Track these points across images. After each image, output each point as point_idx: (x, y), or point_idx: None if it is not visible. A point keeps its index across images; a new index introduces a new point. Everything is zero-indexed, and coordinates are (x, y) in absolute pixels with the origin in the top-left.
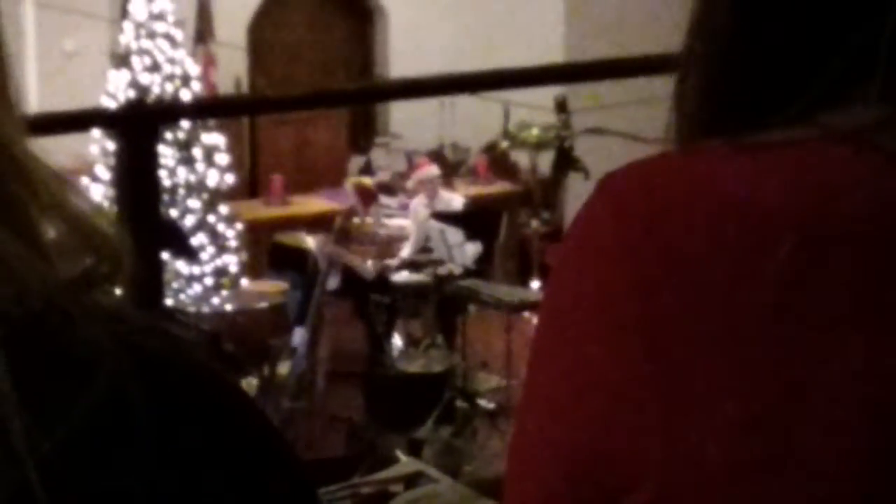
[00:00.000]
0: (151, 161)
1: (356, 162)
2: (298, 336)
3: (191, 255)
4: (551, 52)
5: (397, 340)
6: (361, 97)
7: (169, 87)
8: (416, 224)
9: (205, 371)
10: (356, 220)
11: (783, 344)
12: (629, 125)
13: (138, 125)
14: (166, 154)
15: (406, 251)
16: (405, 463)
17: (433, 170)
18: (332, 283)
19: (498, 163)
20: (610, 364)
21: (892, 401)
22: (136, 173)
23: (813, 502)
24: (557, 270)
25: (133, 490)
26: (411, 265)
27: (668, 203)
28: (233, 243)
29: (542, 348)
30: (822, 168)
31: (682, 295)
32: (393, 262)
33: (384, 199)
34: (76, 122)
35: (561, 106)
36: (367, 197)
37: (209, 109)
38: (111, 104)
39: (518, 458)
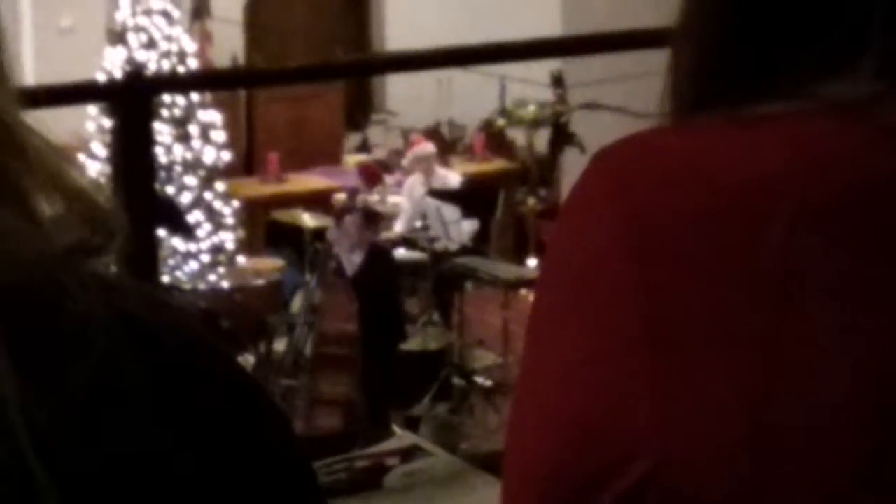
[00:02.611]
0: (147, 133)
1: (353, 139)
2: (299, 303)
3: (187, 232)
4: (547, 32)
5: None
6: (358, 70)
7: (165, 65)
8: (409, 200)
9: (199, 340)
10: (359, 199)
11: (780, 316)
12: (626, 100)
13: (135, 96)
14: (162, 131)
15: (399, 226)
16: (401, 437)
17: (428, 147)
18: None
19: (494, 140)
20: (608, 335)
21: (888, 378)
22: (133, 146)
23: (815, 473)
24: (554, 245)
25: (128, 459)
26: (406, 242)
27: (664, 176)
28: (229, 220)
29: (540, 321)
30: (818, 140)
31: (679, 268)
32: (388, 236)
33: None
34: (73, 94)
35: (557, 81)
36: (371, 177)
37: (206, 81)
38: None
39: (518, 433)
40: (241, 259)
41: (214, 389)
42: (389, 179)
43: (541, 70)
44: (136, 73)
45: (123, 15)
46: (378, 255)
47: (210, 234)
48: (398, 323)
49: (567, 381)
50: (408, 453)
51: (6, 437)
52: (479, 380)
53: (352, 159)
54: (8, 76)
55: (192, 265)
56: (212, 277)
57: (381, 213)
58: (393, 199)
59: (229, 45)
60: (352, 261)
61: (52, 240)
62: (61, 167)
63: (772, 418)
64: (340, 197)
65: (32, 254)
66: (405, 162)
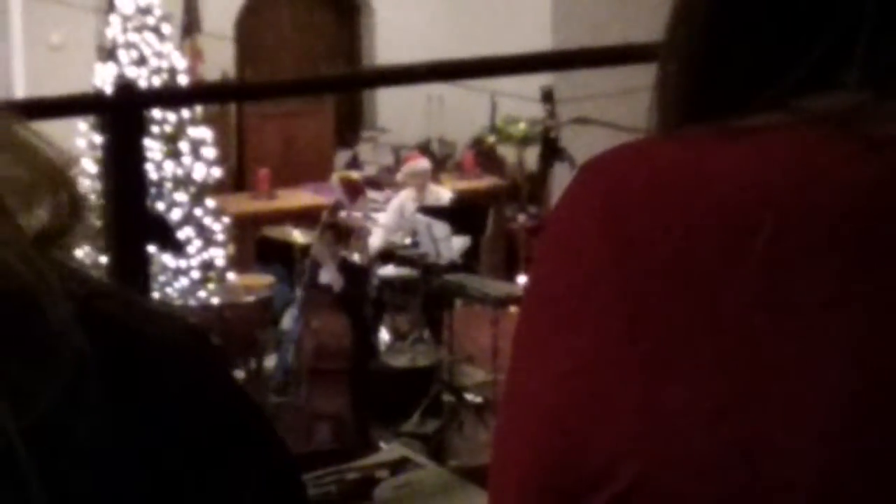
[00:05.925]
0: (139, 147)
1: (343, 156)
2: (288, 320)
3: (177, 248)
4: (539, 47)
5: (384, 335)
6: (349, 83)
7: (156, 81)
8: (394, 215)
9: (184, 348)
10: (342, 214)
11: (764, 327)
12: (616, 115)
13: (127, 109)
14: (153, 147)
15: (376, 240)
16: (390, 449)
17: (424, 163)
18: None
19: (485, 157)
20: (591, 347)
21: (875, 380)
22: (124, 159)
23: (807, 474)
24: (540, 256)
25: (106, 467)
26: (396, 258)
27: (649, 188)
28: (219, 237)
29: (525, 334)
30: (801, 152)
31: (663, 280)
32: (368, 252)
33: (371, 194)
34: (64, 107)
35: (547, 95)
36: (354, 191)
37: (197, 95)
38: None
39: (504, 442)
40: (231, 275)
41: (198, 397)
42: (380, 196)
43: (531, 85)
44: (127, 85)
45: (114, 31)
46: (350, 271)
47: (200, 251)
48: (366, 340)
49: (554, 389)
50: (397, 465)
51: None
52: (469, 396)
53: (336, 175)
54: None
55: (183, 281)
56: (202, 294)
57: (352, 229)
58: (378, 215)
59: (220, 62)
60: (336, 276)
61: (24, 234)
62: (18, 132)
63: (761, 421)
64: (325, 214)
65: (11, 260)
66: (399, 177)
